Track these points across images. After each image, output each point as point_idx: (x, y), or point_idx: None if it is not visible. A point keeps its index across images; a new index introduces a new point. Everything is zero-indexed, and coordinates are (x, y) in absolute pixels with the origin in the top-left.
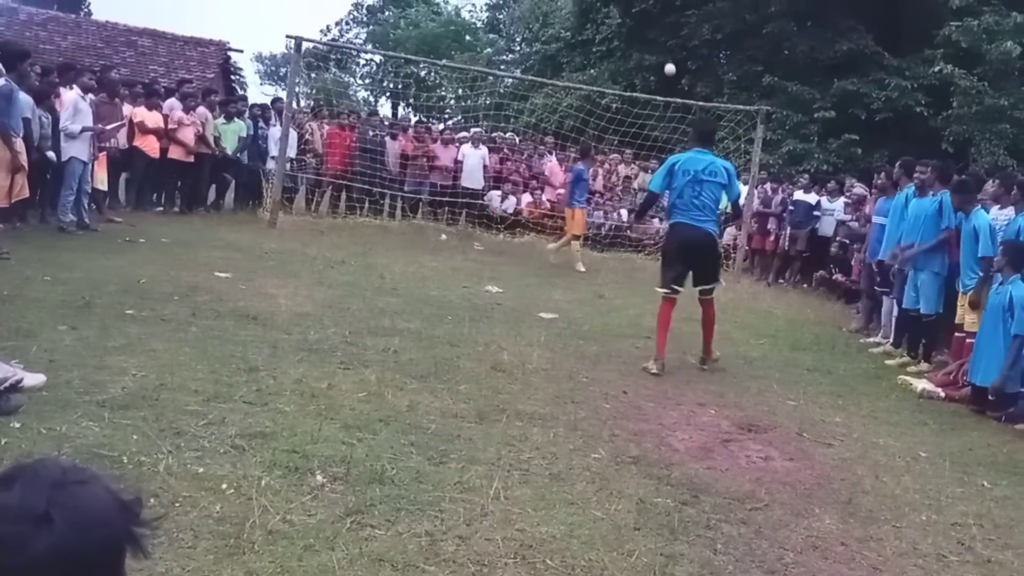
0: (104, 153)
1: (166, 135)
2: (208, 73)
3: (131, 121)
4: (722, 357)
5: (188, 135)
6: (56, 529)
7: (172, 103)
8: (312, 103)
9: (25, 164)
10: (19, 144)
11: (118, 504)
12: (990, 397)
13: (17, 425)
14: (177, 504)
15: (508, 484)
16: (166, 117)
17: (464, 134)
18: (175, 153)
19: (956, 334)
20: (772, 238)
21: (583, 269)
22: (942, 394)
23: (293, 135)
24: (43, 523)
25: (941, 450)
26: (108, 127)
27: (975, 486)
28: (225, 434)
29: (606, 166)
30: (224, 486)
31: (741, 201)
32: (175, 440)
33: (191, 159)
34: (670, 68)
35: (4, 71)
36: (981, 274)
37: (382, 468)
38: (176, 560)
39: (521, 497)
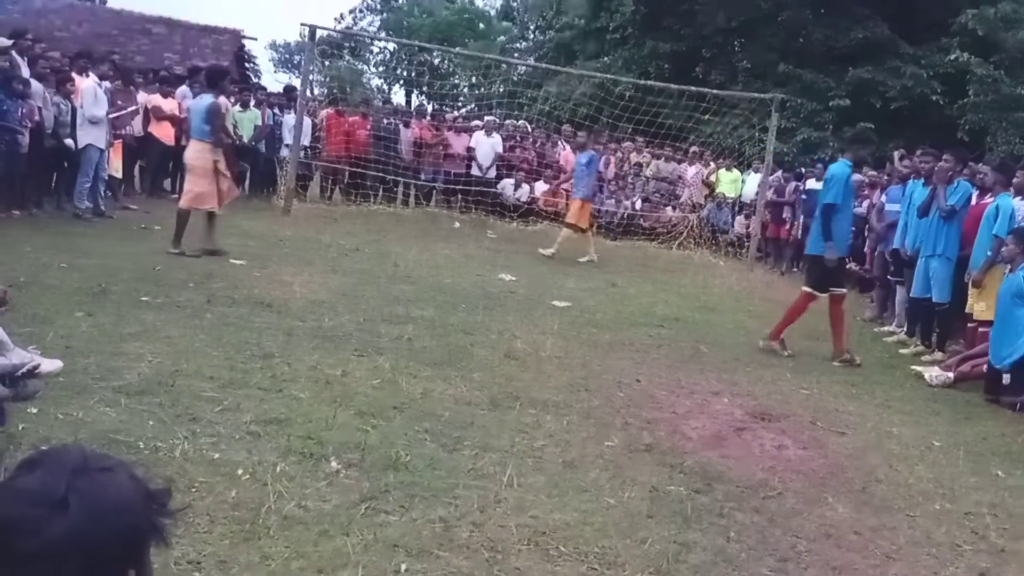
0: (120, 141)
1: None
2: (222, 61)
3: (146, 108)
4: (736, 345)
5: None
6: (72, 514)
7: (183, 91)
8: (327, 91)
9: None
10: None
11: (141, 493)
12: (1004, 381)
13: (34, 411)
14: (193, 490)
15: (522, 471)
16: (180, 104)
17: (477, 122)
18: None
19: (969, 324)
20: (787, 227)
21: (546, 252)
22: (951, 376)
23: (308, 123)
24: (60, 508)
25: (955, 439)
26: (123, 112)
27: (989, 475)
28: (240, 420)
29: (619, 155)
30: (240, 472)
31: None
32: (191, 426)
33: None
34: None
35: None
36: (989, 253)
37: (396, 455)
38: (192, 545)
39: (534, 484)
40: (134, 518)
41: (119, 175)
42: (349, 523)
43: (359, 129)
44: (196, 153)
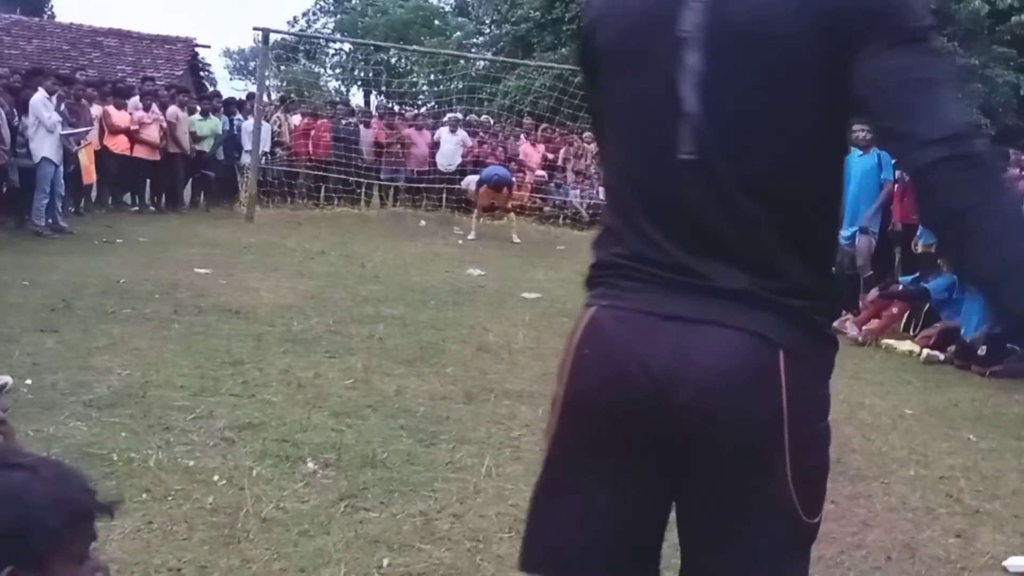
0: (89, 144)
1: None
2: (176, 70)
3: (101, 121)
4: None
5: (151, 133)
6: None
7: (134, 102)
8: (282, 95)
9: None
10: None
11: (46, 494)
12: (979, 352)
13: None
14: (170, 498)
15: (499, 461)
16: (132, 115)
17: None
18: (140, 152)
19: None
20: None
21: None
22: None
23: (266, 128)
24: None
25: (927, 407)
26: (78, 131)
27: (961, 440)
28: (214, 427)
29: (574, 146)
30: (216, 478)
31: None
32: (164, 435)
33: (157, 157)
34: None
35: None
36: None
37: (373, 452)
38: (172, 552)
39: (513, 473)
40: (18, 514)
41: (93, 180)
42: (329, 522)
43: (324, 132)
44: None
